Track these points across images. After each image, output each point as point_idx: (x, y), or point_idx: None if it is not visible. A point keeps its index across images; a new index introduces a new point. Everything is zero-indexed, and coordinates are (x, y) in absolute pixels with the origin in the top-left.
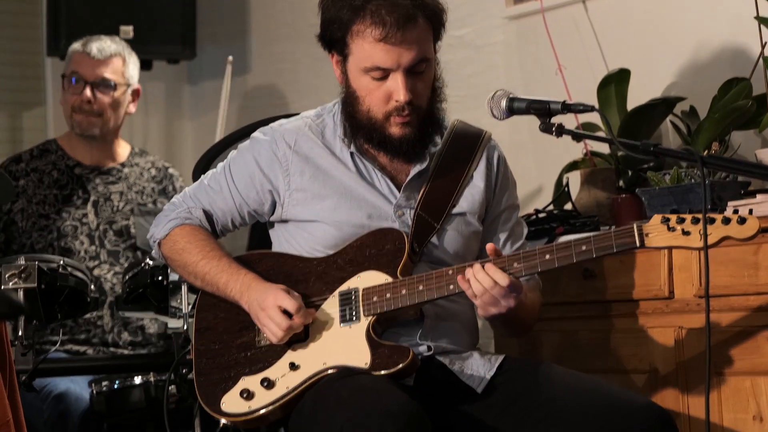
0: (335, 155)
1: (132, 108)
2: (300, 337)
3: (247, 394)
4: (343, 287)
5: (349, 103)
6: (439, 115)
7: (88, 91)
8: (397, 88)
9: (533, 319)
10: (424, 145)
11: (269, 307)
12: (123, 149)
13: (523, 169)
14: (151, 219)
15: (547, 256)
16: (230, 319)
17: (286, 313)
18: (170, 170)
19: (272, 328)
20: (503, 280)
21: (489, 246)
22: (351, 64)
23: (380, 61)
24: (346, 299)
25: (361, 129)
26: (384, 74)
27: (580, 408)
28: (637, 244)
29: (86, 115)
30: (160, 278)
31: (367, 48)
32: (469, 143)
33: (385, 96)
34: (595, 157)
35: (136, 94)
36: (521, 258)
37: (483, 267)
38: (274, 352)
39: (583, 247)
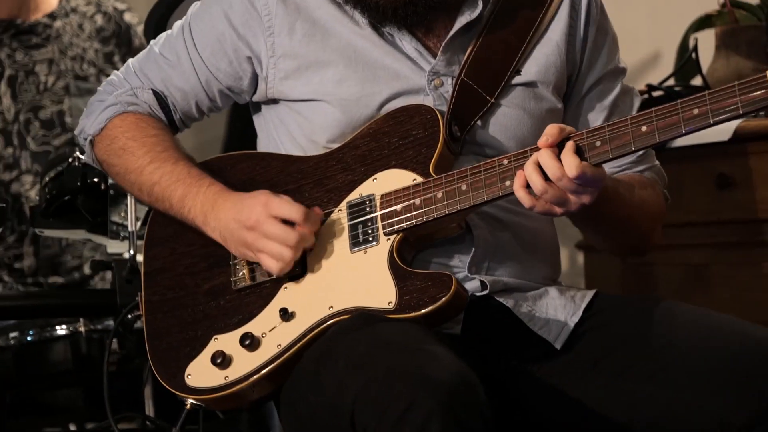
0: (340, 5)
1: None
2: (294, 272)
3: (222, 359)
4: (354, 195)
5: None
6: None
7: None
8: None
9: (648, 225)
10: (423, 9)
11: (261, 221)
12: None
13: (630, 28)
14: None
15: (644, 128)
16: (193, 252)
17: (287, 223)
18: (126, 17)
19: (274, 248)
20: (571, 166)
21: (550, 128)
22: None
23: None
24: (359, 212)
25: None
26: None
27: (714, 354)
28: None
29: None
30: (95, 180)
31: None
32: None
33: None
34: (737, 10)
35: None
36: (606, 133)
37: (549, 148)
38: (258, 297)
39: (695, 110)
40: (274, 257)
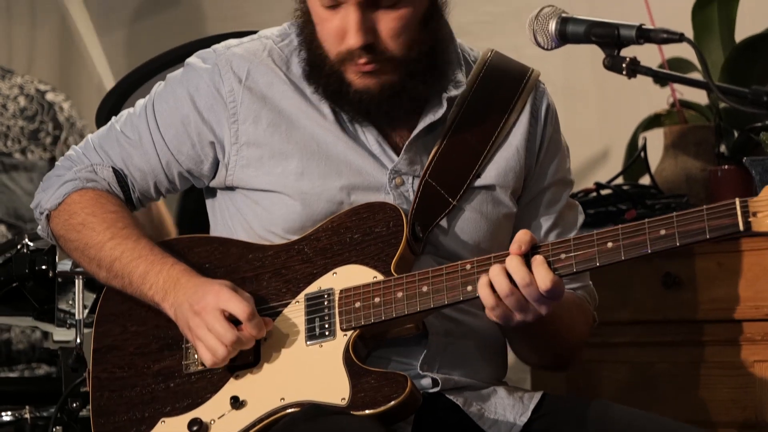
0: (306, 96)
1: None
2: (248, 360)
3: None
4: (312, 288)
5: (305, 27)
6: (441, 60)
7: None
8: (347, 26)
9: (573, 345)
10: (407, 101)
11: (208, 310)
12: None
13: (582, 124)
14: (19, 177)
15: (610, 244)
16: (146, 332)
17: (232, 320)
18: (49, 96)
19: (210, 342)
20: (545, 279)
21: (521, 236)
22: None
23: None
24: (317, 306)
25: (315, 68)
26: (333, 2)
27: None
28: (741, 227)
29: None
30: (43, 267)
31: None
32: (507, 85)
33: (338, 32)
34: (687, 110)
35: None
36: (572, 246)
37: (521, 256)
38: (209, 383)
39: (662, 231)
40: (209, 350)
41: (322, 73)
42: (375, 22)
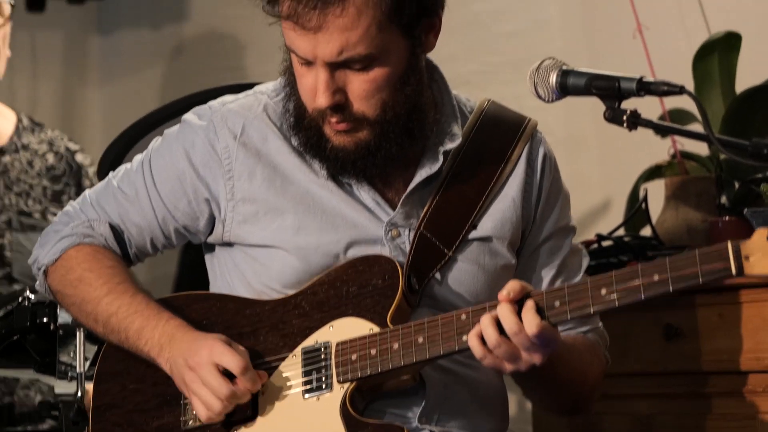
0: (300, 152)
1: (6, 50)
2: (245, 414)
3: None
4: (309, 342)
5: (291, 79)
6: (420, 121)
7: None
8: (317, 85)
9: (588, 389)
10: (383, 160)
11: (202, 364)
12: (5, 120)
13: (583, 175)
14: (36, 237)
15: (603, 291)
16: (144, 390)
17: (227, 374)
18: (78, 157)
19: (205, 397)
20: (531, 324)
21: (511, 284)
22: None
23: (294, 45)
24: (313, 359)
25: (298, 119)
26: (306, 61)
27: None
28: (733, 271)
29: None
30: (45, 320)
31: (282, 22)
32: (504, 135)
33: (311, 89)
34: (688, 161)
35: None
36: (565, 294)
37: (512, 304)
38: None
39: (656, 277)
40: (204, 404)
41: (302, 125)
42: (345, 83)
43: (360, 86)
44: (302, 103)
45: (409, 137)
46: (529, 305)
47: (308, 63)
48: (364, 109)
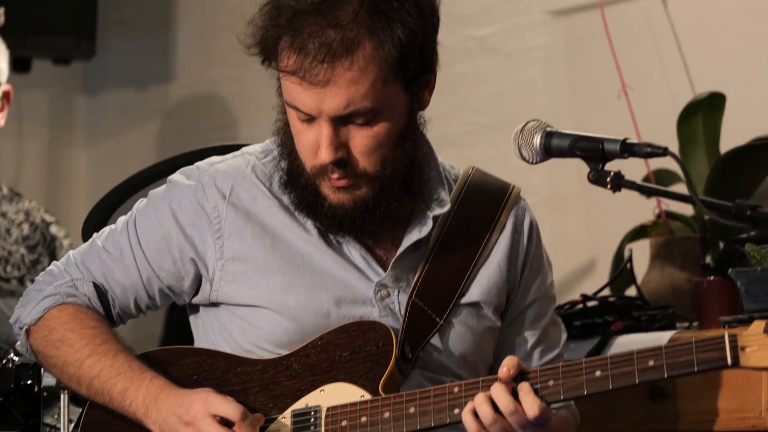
0: (289, 211)
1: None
2: None
3: None
4: (299, 404)
5: (285, 138)
6: (419, 178)
7: None
8: (320, 141)
9: None
10: (380, 217)
11: (199, 418)
12: None
13: (568, 235)
14: (14, 303)
15: (598, 373)
16: None
17: (225, 424)
18: (53, 229)
19: None
20: (533, 406)
21: (509, 361)
22: (282, 88)
23: (297, 101)
24: (303, 423)
25: (292, 178)
26: (308, 117)
27: None
28: (729, 362)
29: None
30: (29, 382)
31: (285, 78)
32: (490, 202)
33: (312, 146)
34: (673, 221)
35: (5, 98)
36: (560, 373)
37: (505, 382)
38: None
39: (651, 362)
40: None
41: (298, 184)
42: (348, 138)
43: (362, 141)
44: (298, 162)
45: (407, 194)
46: (526, 387)
47: (310, 119)
48: (366, 165)
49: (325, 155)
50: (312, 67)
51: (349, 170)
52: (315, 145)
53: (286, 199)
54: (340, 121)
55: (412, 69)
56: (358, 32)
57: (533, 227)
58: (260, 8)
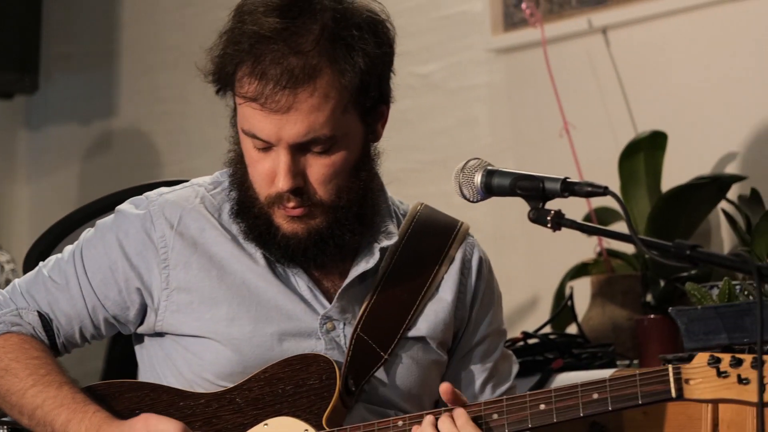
0: (238, 242)
1: None
2: None
3: None
4: None
5: (237, 169)
6: (371, 210)
7: None
8: (277, 169)
9: None
10: (333, 247)
11: None
12: None
13: (509, 273)
14: None
15: (542, 406)
16: None
17: None
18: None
19: None
20: None
21: (444, 386)
22: (238, 117)
23: (256, 128)
24: None
25: (244, 208)
26: (266, 145)
27: None
28: (673, 394)
29: None
30: None
31: (244, 105)
32: (437, 237)
33: (268, 175)
34: (614, 259)
35: None
36: (504, 407)
37: (450, 414)
38: None
39: (595, 395)
40: None
41: (251, 213)
42: (305, 167)
43: (319, 170)
44: (251, 192)
45: (361, 225)
46: (465, 416)
47: (267, 148)
48: (322, 194)
49: (283, 183)
50: (273, 93)
51: (305, 199)
52: (271, 174)
53: (235, 229)
54: (298, 149)
55: (371, 98)
56: (319, 60)
57: (482, 263)
58: (219, 36)
